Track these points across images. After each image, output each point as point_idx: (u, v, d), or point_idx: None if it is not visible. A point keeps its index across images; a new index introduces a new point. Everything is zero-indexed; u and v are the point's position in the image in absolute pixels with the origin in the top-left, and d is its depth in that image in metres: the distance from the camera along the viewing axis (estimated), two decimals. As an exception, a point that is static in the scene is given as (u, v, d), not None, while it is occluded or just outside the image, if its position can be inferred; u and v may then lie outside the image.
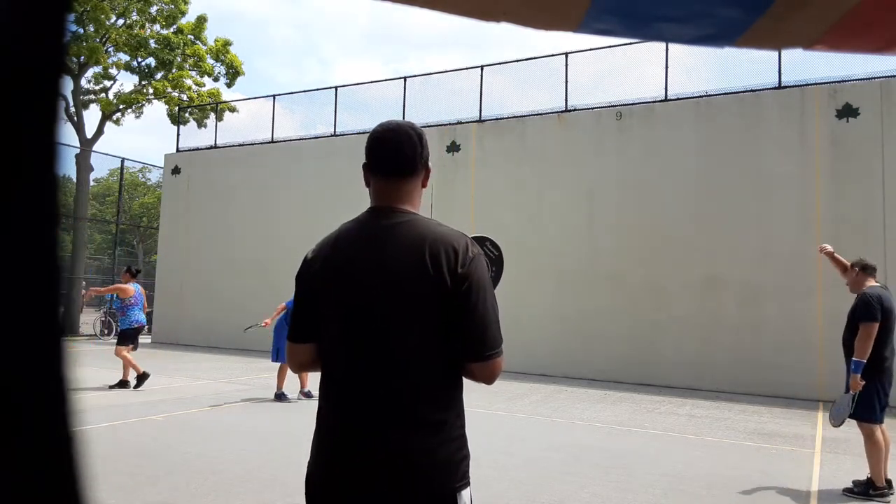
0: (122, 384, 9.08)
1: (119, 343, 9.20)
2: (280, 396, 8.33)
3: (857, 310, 4.99)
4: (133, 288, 9.37)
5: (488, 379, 1.56)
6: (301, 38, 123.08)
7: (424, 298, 1.50)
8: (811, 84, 10.88)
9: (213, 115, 20.42)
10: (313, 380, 8.28)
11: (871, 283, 5.16)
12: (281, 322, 8.50)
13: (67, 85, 8.25)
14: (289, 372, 8.33)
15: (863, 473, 5.27)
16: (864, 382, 4.82)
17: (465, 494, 1.50)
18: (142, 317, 9.51)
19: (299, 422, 6.99)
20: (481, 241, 2.34)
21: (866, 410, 4.83)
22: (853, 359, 4.89)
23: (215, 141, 17.62)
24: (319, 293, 1.62)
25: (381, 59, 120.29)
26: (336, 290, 1.59)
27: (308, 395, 8.52)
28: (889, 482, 4.90)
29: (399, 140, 1.81)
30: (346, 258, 1.64)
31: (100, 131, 26.36)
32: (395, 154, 1.81)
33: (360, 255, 1.63)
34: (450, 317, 1.50)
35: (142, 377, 8.96)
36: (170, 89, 25.84)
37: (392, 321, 1.51)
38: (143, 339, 18.81)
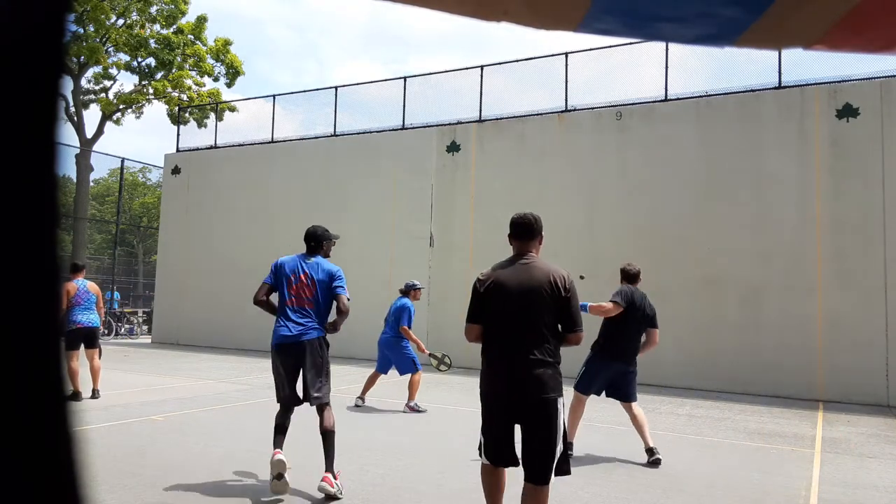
0: (93, 394, 8.06)
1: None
2: (414, 407, 7.78)
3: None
4: (75, 285, 8.18)
5: (576, 342, 3.30)
6: (300, 38, 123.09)
7: (549, 301, 3.21)
8: (811, 84, 10.88)
9: (213, 115, 20.43)
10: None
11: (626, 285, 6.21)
12: (398, 337, 7.84)
13: (67, 85, 8.24)
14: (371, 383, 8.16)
15: (863, 474, 5.28)
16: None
17: (560, 400, 3.19)
18: (82, 317, 8.06)
19: (299, 422, 6.99)
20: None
21: (581, 382, 6.03)
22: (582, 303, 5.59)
23: (215, 141, 17.62)
24: (487, 299, 3.27)
25: (380, 59, 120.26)
26: (499, 296, 3.25)
27: (416, 408, 7.78)
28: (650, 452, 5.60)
29: (528, 221, 3.41)
30: (505, 279, 3.27)
31: (100, 131, 26.34)
32: (527, 229, 3.40)
33: (512, 278, 3.26)
34: (560, 310, 3.23)
35: (74, 395, 7.74)
36: (170, 89, 25.82)
37: (532, 311, 3.19)
38: (143, 339, 18.85)
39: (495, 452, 3.28)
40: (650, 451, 5.58)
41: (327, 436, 4.60)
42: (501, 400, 3.20)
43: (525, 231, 3.36)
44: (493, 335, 3.22)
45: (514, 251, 3.37)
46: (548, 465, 3.16)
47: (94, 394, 8.12)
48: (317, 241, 4.87)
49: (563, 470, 3.25)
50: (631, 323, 5.88)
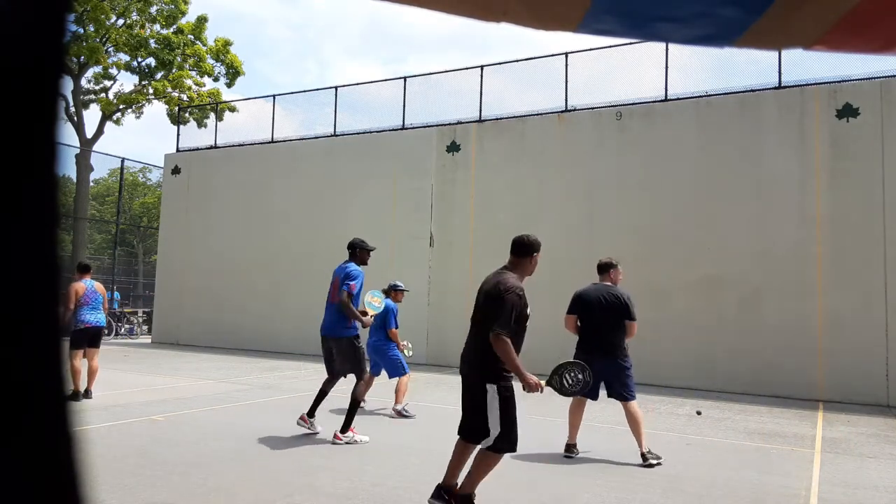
0: (85, 393, 8.11)
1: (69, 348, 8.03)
2: (402, 412, 7.57)
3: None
4: (84, 285, 8.32)
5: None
6: (299, 39, 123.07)
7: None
8: (811, 84, 10.87)
9: (213, 115, 20.43)
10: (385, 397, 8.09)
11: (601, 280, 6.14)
12: (381, 342, 7.63)
13: (67, 85, 8.24)
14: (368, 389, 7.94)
15: (863, 474, 5.28)
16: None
17: (492, 388, 3.93)
18: (90, 317, 8.29)
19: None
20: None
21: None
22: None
23: (215, 141, 17.62)
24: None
25: (380, 60, 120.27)
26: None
27: (404, 413, 7.59)
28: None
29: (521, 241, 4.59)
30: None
31: (100, 131, 26.35)
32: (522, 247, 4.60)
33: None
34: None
35: (74, 394, 7.92)
36: (170, 89, 25.83)
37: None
38: (143, 339, 18.84)
39: None
40: (643, 455, 5.56)
41: (351, 401, 6.13)
42: None
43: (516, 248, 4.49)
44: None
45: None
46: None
47: (87, 394, 8.09)
48: (351, 249, 6.46)
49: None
50: (590, 320, 5.86)
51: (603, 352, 5.76)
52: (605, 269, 6.05)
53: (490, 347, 3.84)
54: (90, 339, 8.34)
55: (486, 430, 3.90)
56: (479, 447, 4.04)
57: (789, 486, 5.05)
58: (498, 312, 3.89)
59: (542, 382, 4.02)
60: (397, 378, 7.67)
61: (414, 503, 4.36)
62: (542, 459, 5.68)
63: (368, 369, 6.61)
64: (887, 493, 4.95)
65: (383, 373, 7.95)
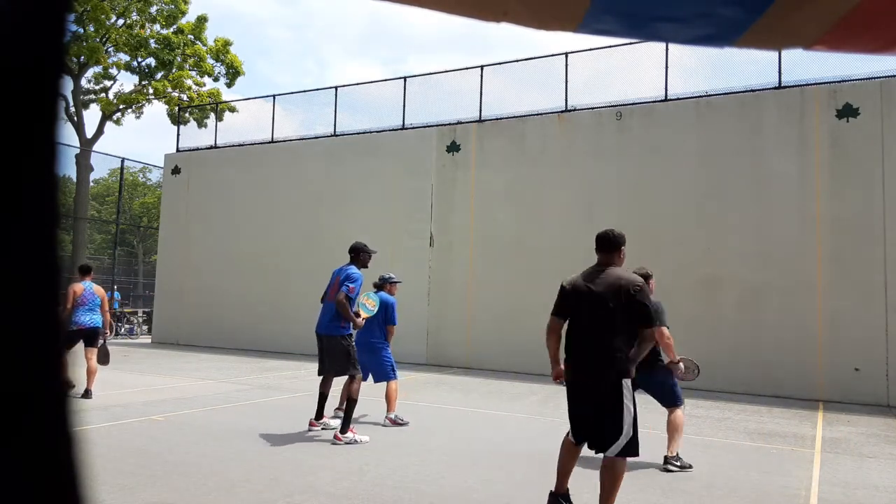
0: (85, 393, 8.08)
1: None
2: (396, 420, 7.07)
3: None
4: (82, 287, 8.36)
5: (653, 338, 3.89)
6: (299, 39, 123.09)
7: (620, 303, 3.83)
8: (811, 84, 10.87)
9: (213, 115, 20.43)
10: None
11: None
12: (377, 340, 7.18)
13: (67, 85, 8.24)
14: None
15: (863, 474, 5.28)
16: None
17: (626, 381, 3.73)
18: (84, 318, 8.26)
19: (299, 422, 6.99)
20: None
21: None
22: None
23: (215, 141, 17.62)
24: (570, 299, 4.01)
25: (380, 60, 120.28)
26: (578, 298, 3.96)
27: (398, 421, 7.10)
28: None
29: (609, 237, 4.06)
30: (583, 284, 3.98)
31: (100, 131, 26.35)
32: (607, 242, 4.04)
33: (589, 283, 3.95)
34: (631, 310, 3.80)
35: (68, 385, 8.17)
36: (170, 89, 25.82)
37: (611, 311, 3.79)
38: (143, 339, 18.84)
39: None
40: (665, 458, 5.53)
41: (346, 402, 6.29)
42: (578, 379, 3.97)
43: (605, 244, 4.02)
44: (575, 332, 4.08)
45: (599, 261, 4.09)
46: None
47: (87, 394, 8.06)
48: (353, 253, 6.63)
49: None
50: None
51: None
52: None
53: (622, 346, 3.72)
54: (85, 339, 8.37)
55: (617, 434, 3.68)
56: (596, 454, 3.86)
57: (789, 486, 5.05)
58: (645, 308, 3.72)
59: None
60: (385, 383, 7.12)
61: (414, 503, 4.36)
62: (542, 459, 5.68)
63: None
64: (887, 493, 4.95)
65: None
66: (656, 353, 5.48)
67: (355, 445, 5.98)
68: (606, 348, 3.71)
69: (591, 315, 3.79)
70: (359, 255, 6.58)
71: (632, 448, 3.70)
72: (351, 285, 6.27)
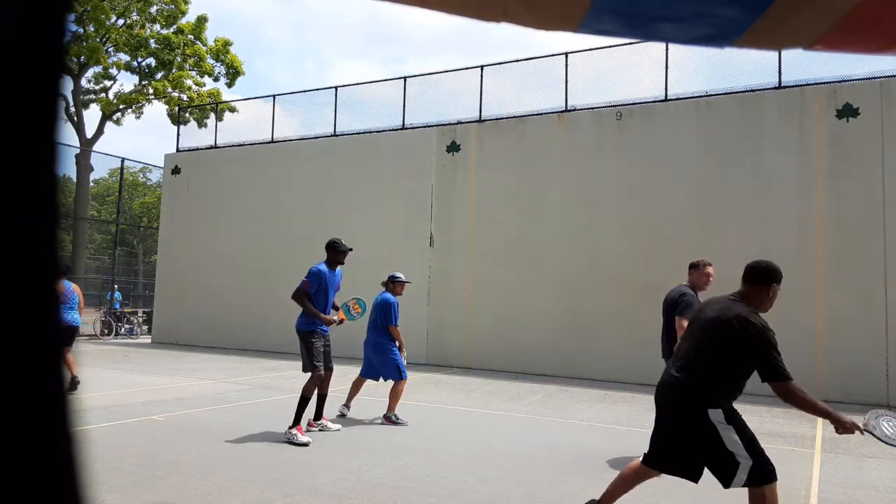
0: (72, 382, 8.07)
1: None
2: (393, 419, 7.12)
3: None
4: (63, 285, 8.81)
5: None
6: (299, 39, 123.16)
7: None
8: (811, 84, 10.87)
9: (213, 115, 20.43)
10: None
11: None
12: (382, 340, 7.31)
13: (67, 85, 8.25)
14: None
15: (863, 474, 5.28)
16: None
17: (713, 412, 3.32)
18: (67, 316, 8.45)
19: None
20: None
21: None
22: None
23: (215, 141, 17.62)
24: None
25: (380, 60, 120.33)
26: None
27: (395, 420, 7.13)
28: None
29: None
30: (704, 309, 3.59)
31: (100, 131, 26.35)
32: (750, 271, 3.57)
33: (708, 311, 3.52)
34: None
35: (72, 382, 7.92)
36: (170, 89, 25.83)
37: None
38: (143, 339, 18.83)
39: None
40: None
41: (300, 398, 6.26)
42: None
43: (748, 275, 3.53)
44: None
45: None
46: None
47: (74, 383, 7.86)
48: (327, 249, 6.59)
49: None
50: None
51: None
52: (690, 268, 6.05)
53: (716, 378, 3.34)
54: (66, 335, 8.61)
55: (734, 465, 3.26)
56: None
57: (789, 486, 5.05)
58: (767, 356, 3.30)
59: (859, 424, 3.32)
60: (392, 382, 7.18)
61: (414, 503, 4.36)
62: (542, 459, 5.68)
63: (327, 368, 6.37)
64: (887, 493, 4.95)
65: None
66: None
67: (355, 445, 5.98)
68: None
69: None
70: (328, 251, 6.55)
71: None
72: (306, 279, 6.30)
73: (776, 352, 3.32)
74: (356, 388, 7.65)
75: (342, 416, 7.38)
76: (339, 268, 6.61)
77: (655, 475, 3.70)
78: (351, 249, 6.72)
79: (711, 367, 3.33)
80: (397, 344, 7.28)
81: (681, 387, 3.38)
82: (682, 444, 3.43)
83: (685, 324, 5.18)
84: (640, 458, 3.73)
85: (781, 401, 3.30)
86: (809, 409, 3.18)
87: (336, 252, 6.48)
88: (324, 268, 6.42)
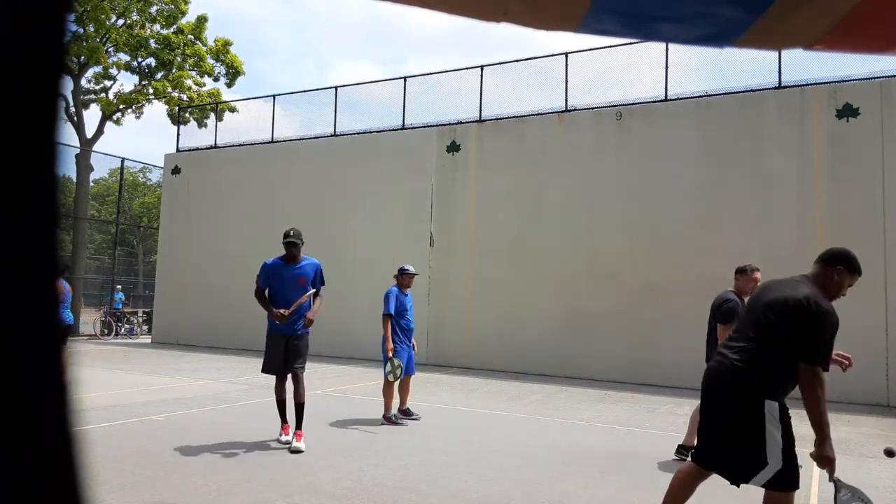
0: None
1: None
2: (391, 419, 7.10)
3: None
4: (62, 285, 8.77)
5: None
6: (298, 39, 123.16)
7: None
8: (811, 84, 10.87)
9: (213, 115, 20.43)
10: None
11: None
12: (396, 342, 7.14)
13: (67, 85, 8.27)
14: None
15: (863, 474, 5.27)
16: None
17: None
18: (64, 315, 8.34)
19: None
20: None
21: None
22: None
23: (215, 141, 17.62)
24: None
25: (379, 60, 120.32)
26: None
27: (407, 414, 7.26)
28: None
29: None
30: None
31: (100, 131, 26.36)
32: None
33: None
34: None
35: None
36: (170, 89, 25.83)
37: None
38: (143, 339, 18.84)
39: None
40: None
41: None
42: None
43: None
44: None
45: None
46: None
47: None
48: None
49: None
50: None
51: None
52: (737, 274, 5.87)
53: (775, 365, 3.14)
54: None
55: (761, 463, 3.06)
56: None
57: (789, 486, 5.05)
58: (812, 337, 3.03)
59: (837, 474, 3.28)
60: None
61: (414, 503, 4.36)
62: (542, 459, 5.68)
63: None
64: (887, 493, 4.95)
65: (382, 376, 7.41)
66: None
67: (356, 445, 5.98)
68: None
69: None
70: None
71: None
72: (257, 275, 6.06)
73: (827, 339, 3.06)
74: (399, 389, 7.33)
75: (405, 418, 7.21)
76: (305, 261, 6.06)
77: (709, 474, 3.40)
78: (290, 236, 6.00)
79: (770, 353, 3.13)
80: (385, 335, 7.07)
81: (739, 373, 3.15)
82: (730, 436, 3.16)
83: (727, 332, 5.00)
84: (690, 458, 3.53)
85: (799, 389, 3.14)
86: (815, 413, 3.03)
87: (284, 244, 5.97)
88: (273, 261, 6.03)
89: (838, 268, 3.23)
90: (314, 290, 6.07)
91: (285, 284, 5.95)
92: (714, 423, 3.24)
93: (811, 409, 3.04)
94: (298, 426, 5.82)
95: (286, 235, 6.00)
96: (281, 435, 6.09)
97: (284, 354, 5.96)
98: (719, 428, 3.20)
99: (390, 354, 6.96)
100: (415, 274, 7.39)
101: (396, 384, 7.19)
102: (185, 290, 17.11)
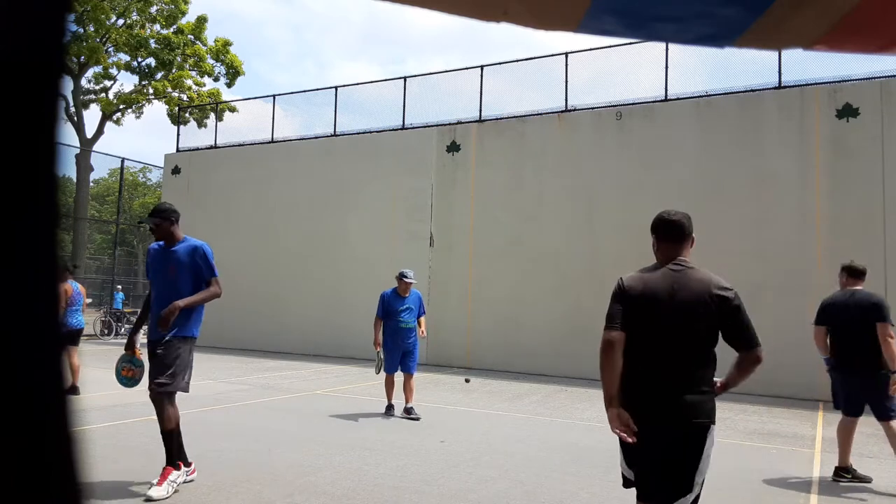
0: (72, 389, 7.75)
1: None
2: (389, 408, 7.58)
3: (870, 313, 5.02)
4: (70, 287, 8.39)
5: (759, 361, 2.77)
6: (298, 39, 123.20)
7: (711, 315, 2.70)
8: (811, 84, 10.88)
9: (213, 115, 20.43)
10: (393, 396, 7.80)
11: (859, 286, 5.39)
12: (384, 335, 7.54)
13: (67, 85, 8.27)
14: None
15: (864, 473, 5.28)
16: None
17: (714, 428, 2.80)
18: (72, 319, 8.34)
19: (299, 422, 7.00)
20: None
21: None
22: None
23: (215, 141, 17.62)
24: (635, 308, 2.77)
25: (379, 61, 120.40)
26: (654, 308, 2.74)
27: (408, 413, 7.44)
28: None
29: (681, 223, 2.94)
30: (661, 288, 2.77)
31: (100, 131, 26.35)
32: (679, 229, 2.92)
33: (669, 287, 2.77)
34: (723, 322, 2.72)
35: (72, 389, 7.47)
36: (170, 89, 25.83)
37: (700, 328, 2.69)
38: (143, 339, 18.80)
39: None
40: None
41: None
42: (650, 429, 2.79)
43: (678, 232, 2.92)
44: (642, 351, 2.76)
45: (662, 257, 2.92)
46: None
47: (74, 390, 7.82)
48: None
49: None
50: (837, 328, 5.28)
51: (849, 363, 5.22)
52: (860, 275, 5.44)
53: (709, 374, 2.77)
54: (70, 339, 8.48)
55: (687, 488, 2.78)
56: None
57: (789, 486, 5.05)
58: (744, 322, 2.73)
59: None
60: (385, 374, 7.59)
61: (414, 503, 4.36)
62: (542, 459, 5.68)
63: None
64: (887, 493, 4.95)
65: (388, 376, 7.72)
66: (879, 353, 4.90)
67: (355, 447, 5.98)
68: (694, 381, 2.70)
69: (673, 333, 2.71)
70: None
71: None
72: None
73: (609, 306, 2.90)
74: (396, 386, 7.68)
75: (411, 417, 7.41)
76: (181, 243, 4.88)
77: None
78: (142, 222, 5.26)
79: (712, 364, 2.89)
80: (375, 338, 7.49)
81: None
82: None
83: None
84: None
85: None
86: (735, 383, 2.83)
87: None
88: (154, 245, 4.97)
89: (693, 238, 2.99)
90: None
91: (157, 275, 4.74)
92: (654, 459, 2.92)
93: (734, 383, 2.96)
94: (168, 461, 4.47)
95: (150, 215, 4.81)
96: (186, 476, 4.57)
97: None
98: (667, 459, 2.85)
99: (377, 349, 7.42)
100: (410, 282, 7.50)
101: (399, 381, 7.53)
102: (185, 290, 17.10)
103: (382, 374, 7.65)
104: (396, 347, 7.42)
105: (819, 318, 5.43)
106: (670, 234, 2.90)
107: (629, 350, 2.75)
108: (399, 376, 7.60)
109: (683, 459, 2.75)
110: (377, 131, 15.05)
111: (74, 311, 8.47)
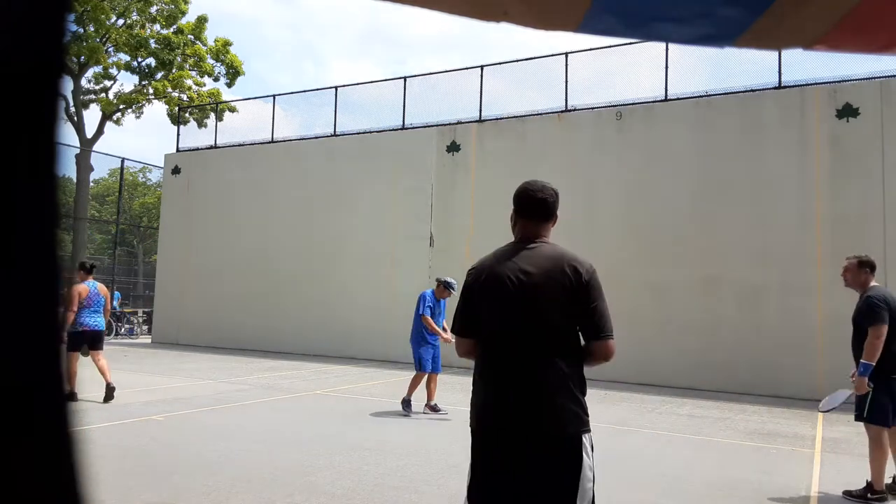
0: (108, 391, 7.80)
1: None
2: (407, 403, 7.74)
3: (861, 313, 4.88)
4: (87, 287, 8.12)
5: (607, 355, 2.37)
6: (297, 40, 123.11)
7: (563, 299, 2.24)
8: (811, 84, 10.87)
9: (213, 115, 20.43)
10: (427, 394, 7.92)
11: (873, 281, 5.16)
12: (419, 334, 7.83)
13: (67, 85, 8.26)
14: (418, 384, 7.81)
15: (863, 474, 5.27)
16: (871, 386, 4.67)
17: (588, 436, 2.26)
18: (89, 320, 8.09)
19: (299, 422, 7.00)
20: None
21: (879, 414, 4.65)
22: (861, 361, 4.68)
23: (215, 141, 17.62)
24: (481, 298, 2.30)
25: (379, 61, 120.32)
26: (501, 296, 2.25)
27: (434, 409, 7.81)
28: (890, 487, 4.85)
29: (545, 198, 2.44)
30: (499, 274, 2.28)
31: (100, 131, 26.35)
32: (544, 208, 2.43)
33: (517, 269, 2.27)
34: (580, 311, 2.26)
35: (69, 396, 7.77)
36: (170, 89, 25.82)
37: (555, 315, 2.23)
38: (143, 339, 18.83)
39: None
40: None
41: None
42: (497, 436, 2.20)
43: (538, 207, 2.42)
44: (491, 350, 2.28)
45: (519, 234, 2.43)
46: None
47: (110, 390, 7.75)
48: None
49: None
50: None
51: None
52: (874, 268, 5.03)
53: (579, 372, 2.30)
54: (90, 341, 8.21)
55: None
56: None
57: (789, 486, 5.05)
58: (601, 308, 2.30)
59: None
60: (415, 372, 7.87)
61: (413, 503, 4.36)
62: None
63: None
64: (887, 493, 4.94)
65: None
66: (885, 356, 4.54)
67: (355, 447, 5.98)
68: (553, 380, 2.18)
69: (526, 322, 2.21)
70: None
71: None
72: None
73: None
74: (423, 384, 7.94)
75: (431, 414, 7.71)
76: None
77: None
78: None
79: (574, 355, 2.39)
80: (439, 336, 7.77)
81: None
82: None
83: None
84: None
85: None
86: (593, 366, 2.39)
87: None
88: None
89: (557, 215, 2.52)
90: None
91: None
92: (507, 477, 2.27)
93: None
94: None
95: None
96: None
97: None
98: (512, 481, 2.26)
99: (450, 341, 7.19)
100: (453, 291, 7.77)
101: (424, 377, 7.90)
102: (185, 290, 17.11)
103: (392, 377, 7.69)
104: (431, 347, 7.82)
105: (884, 316, 4.63)
106: (534, 211, 2.39)
107: (481, 352, 2.29)
108: (395, 374, 7.70)
109: (553, 485, 2.10)
110: (377, 131, 15.05)
111: (92, 313, 8.15)
